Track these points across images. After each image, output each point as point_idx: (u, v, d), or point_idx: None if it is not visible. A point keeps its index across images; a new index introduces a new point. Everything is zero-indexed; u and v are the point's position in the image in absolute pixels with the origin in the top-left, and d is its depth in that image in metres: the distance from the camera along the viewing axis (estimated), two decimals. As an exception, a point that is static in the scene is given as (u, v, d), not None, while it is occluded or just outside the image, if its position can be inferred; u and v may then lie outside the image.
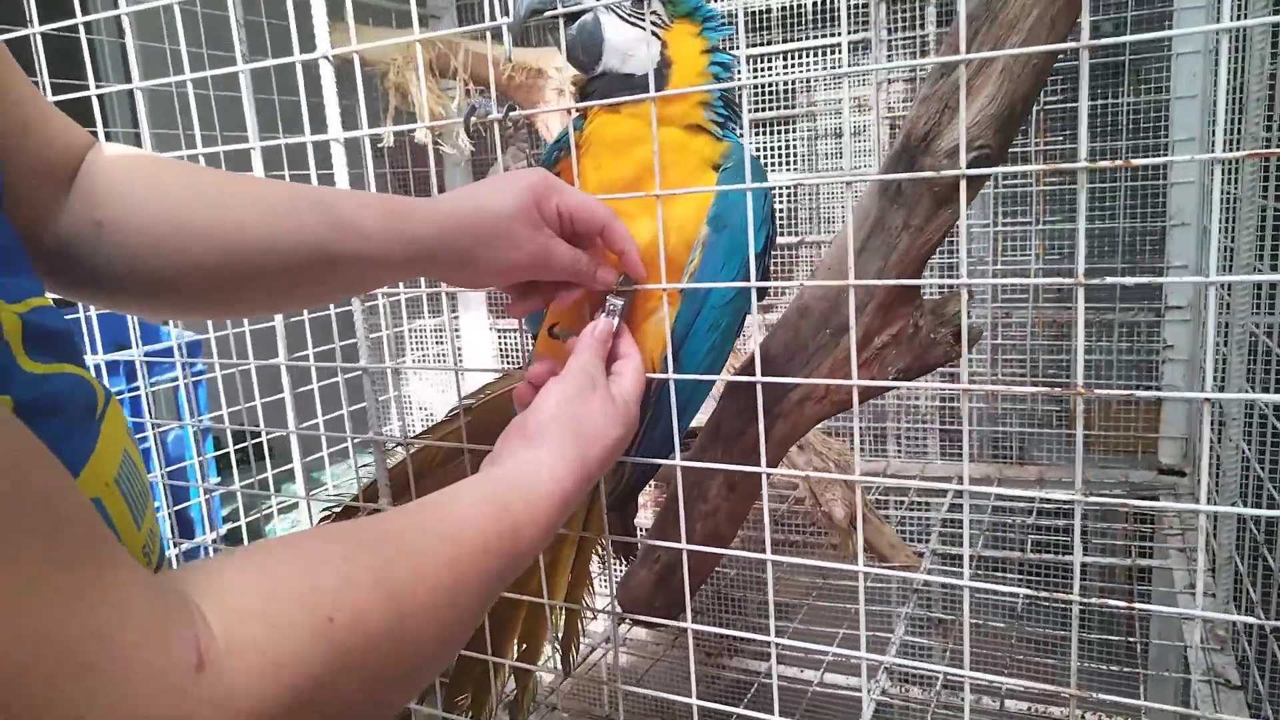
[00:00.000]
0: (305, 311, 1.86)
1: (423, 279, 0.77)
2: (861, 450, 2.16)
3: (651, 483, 2.39)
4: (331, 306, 2.01)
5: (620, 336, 0.75)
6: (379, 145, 1.98)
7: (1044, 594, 0.64)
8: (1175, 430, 1.82)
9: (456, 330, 2.61)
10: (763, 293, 0.88)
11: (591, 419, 0.65)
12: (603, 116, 0.85)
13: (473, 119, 0.81)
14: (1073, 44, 0.57)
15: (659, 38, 0.85)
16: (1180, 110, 1.70)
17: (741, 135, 0.95)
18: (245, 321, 1.54)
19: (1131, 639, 1.62)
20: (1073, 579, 0.66)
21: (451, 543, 0.50)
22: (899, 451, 2.12)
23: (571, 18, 0.81)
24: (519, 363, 2.60)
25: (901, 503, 1.88)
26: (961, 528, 2.12)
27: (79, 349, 0.51)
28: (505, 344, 2.66)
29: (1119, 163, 0.57)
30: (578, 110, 0.84)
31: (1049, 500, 1.85)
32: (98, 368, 1.36)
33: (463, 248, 0.67)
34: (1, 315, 0.44)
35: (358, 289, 0.73)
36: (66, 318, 0.48)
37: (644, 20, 0.83)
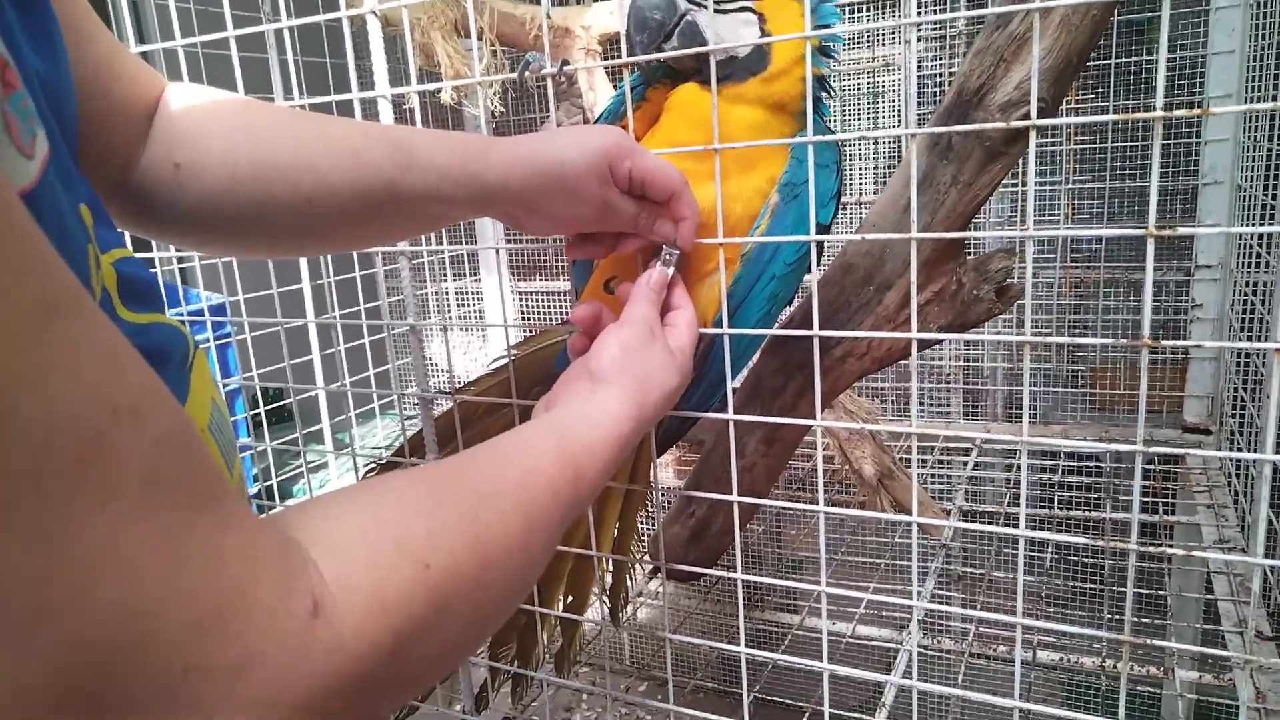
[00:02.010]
0: (330, 275, 1.88)
1: (444, 240, 0.77)
2: (886, 410, 2.17)
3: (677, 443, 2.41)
4: (356, 269, 2.02)
5: (674, 287, 0.75)
6: (403, 106, 1.97)
7: (1102, 543, 0.65)
8: (1200, 389, 1.82)
9: (479, 292, 2.62)
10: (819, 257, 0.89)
11: (650, 367, 0.66)
12: (689, 88, 0.86)
13: (527, 73, 0.81)
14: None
15: (755, 12, 0.86)
16: (1218, 66, 1.68)
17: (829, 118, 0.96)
18: (273, 283, 1.55)
19: (1156, 592, 1.64)
20: (1131, 528, 0.67)
21: (523, 488, 0.50)
22: (922, 412, 2.13)
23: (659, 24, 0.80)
24: (538, 326, 2.60)
25: (925, 461, 1.90)
26: (982, 485, 2.14)
27: (164, 299, 0.52)
28: (526, 306, 2.66)
29: (1196, 110, 0.56)
30: (635, 70, 0.84)
31: (1075, 458, 1.86)
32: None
33: (531, 196, 0.67)
34: (103, 269, 0.44)
35: (429, 225, 0.73)
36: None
37: (737, 2, 0.84)
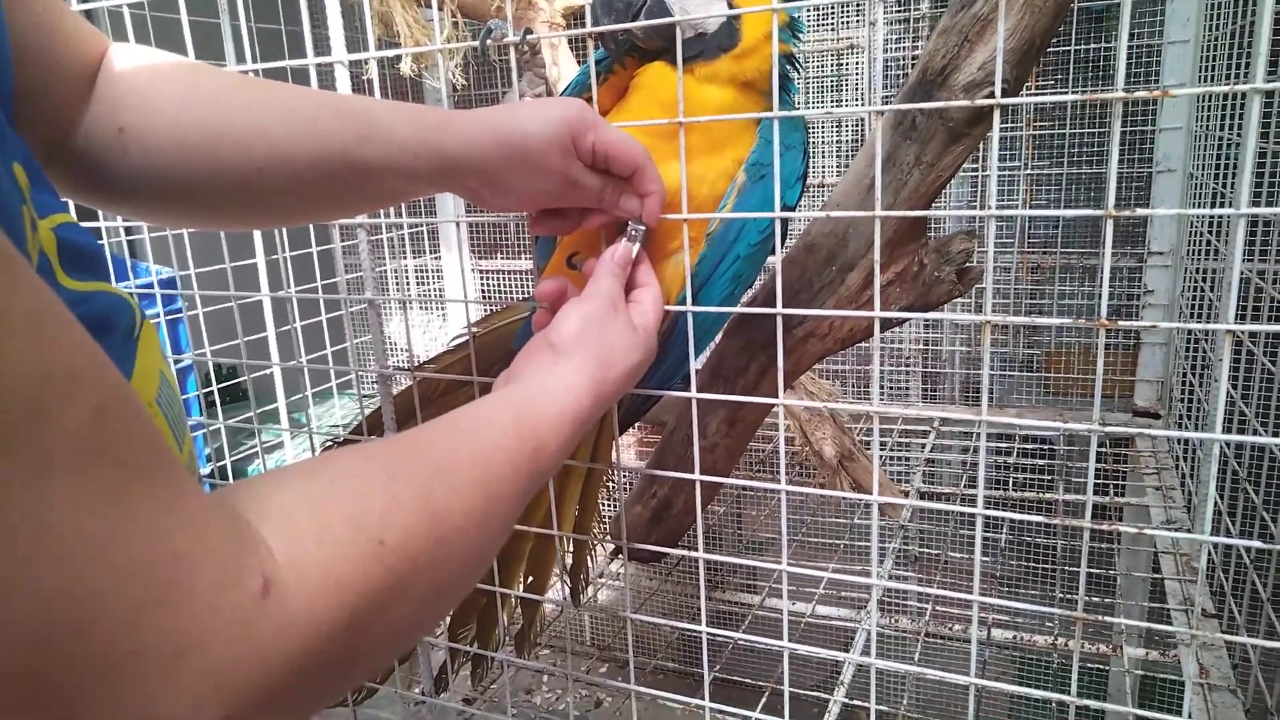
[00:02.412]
0: (286, 250, 1.83)
1: (403, 214, 0.75)
2: (846, 392, 2.19)
3: (636, 424, 2.41)
4: (313, 244, 1.98)
5: (639, 264, 0.74)
6: (362, 77, 1.92)
7: (1059, 522, 0.65)
8: (1151, 374, 1.87)
9: (439, 270, 2.58)
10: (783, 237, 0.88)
11: (613, 342, 0.65)
12: (658, 67, 0.84)
13: (489, 41, 0.79)
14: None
15: None
16: (1173, 55, 1.70)
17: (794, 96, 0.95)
18: (226, 258, 1.51)
19: (1106, 572, 1.68)
20: (1085, 508, 0.68)
21: (482, 465, 0.49)
22: (882, 394, 2.15)
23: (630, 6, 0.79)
24: (499, 305, 2.57)
25: (884, 444, 1.92)
26: (939, 467, 2.17)
27: (109, 268, 0.50)
28: (487, 284, 2.63)
29: (1156, 91, 0.57)
30: (598, 46, 0.82)
31: (1030, 441, 1.89)
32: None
33: (493, 169, 0.65)
34: (40, 234, 0.42)
35: (386, 201, 0.71)
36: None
37: None
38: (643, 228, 0.73)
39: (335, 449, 0.47)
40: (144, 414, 0.32)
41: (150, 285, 1.61)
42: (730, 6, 0.84)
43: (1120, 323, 0.64)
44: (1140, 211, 0.60)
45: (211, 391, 1.89)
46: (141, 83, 0.60)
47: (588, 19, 0.84)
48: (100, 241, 0.72)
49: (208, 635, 0.31)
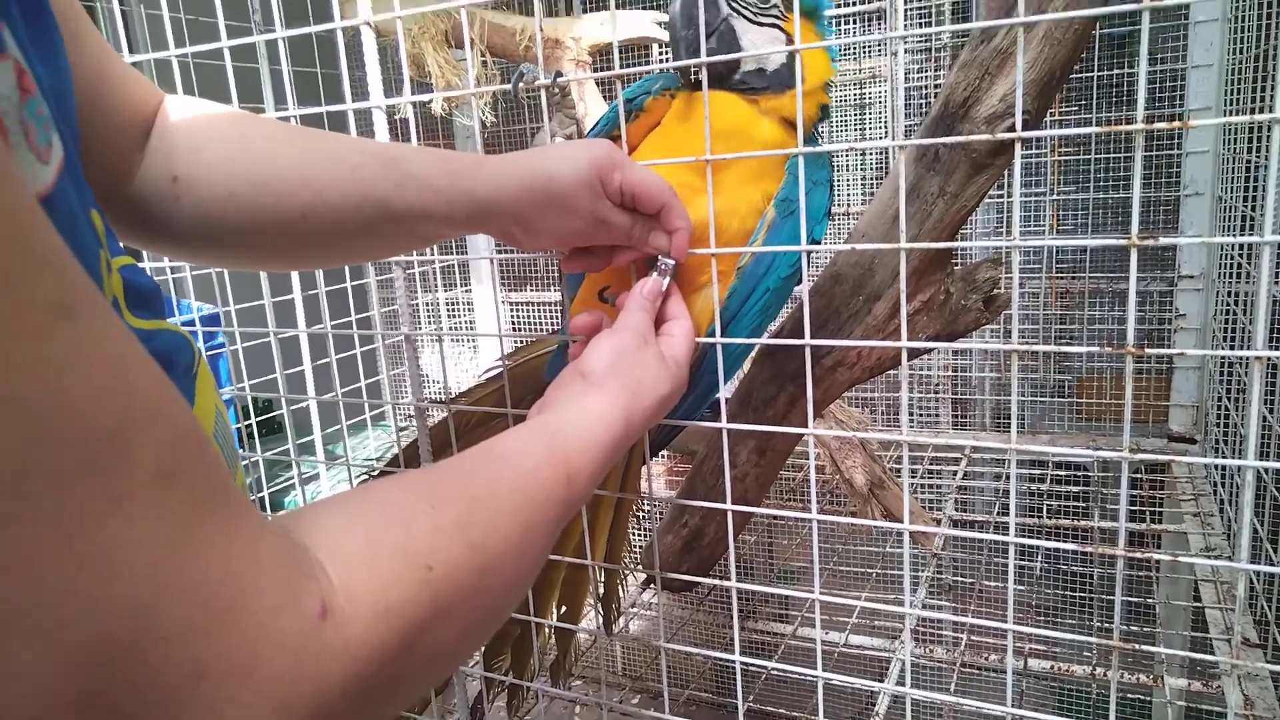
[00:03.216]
0: (322, 285, 1.87)
1: (436, 251, 0.78)
2: (876, 420, 2.18)
3: (665, 453, 2.41)
4: (348, 279, 2.02)
5: (670, 297, 0.76)
6: (394, 117, 1.97)
7: (1094, 550, 0.66)
8: (1185, 399, 1.84)
9: (469, 302, 2.62)
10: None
11: (643, 373, 0.66)
12: (722, 95, 0.87)
13: (521, 85, 0.81)
14: (1132, 5, 0.57)
15: (784, 32, 0.87)
16: (1196, 79, 1.70)
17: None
18: (265, 294, 1.55)
19: (1145, 600, 1.65)
20: (1119, 535, 0.68)
21: (519, 493, 0.50)
22: (912, 422, 2.15)
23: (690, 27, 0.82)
24: (529, 337, 2.60)
25: (915, 471, 1.91)
26: (972, 494, 2.15)
27: (164, 306, 0.52)
28: (518, 317, 2.67)
29: (1177, 124, 0.58)
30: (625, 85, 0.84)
31: (1064, 467, 1.87)
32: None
33: (524, 211, 0.67)
34: (113, 276, 0.45)
35: (421, 243, 0.74)
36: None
37: (770, 15, 0.86)
38: (672, 262, 0.75)
39: (378, 479, 0.49)
40: (210, 447, 0.34)
41: (193, 322, 1.66)
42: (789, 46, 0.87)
43: (1149, 349, 0.64)
44: (1164, 240, 0.61)
45: (250, 425, 1.93)
46: (194, 133, 0.63)
47: (669, 34, 0.87)
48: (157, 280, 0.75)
49: (269, 657, 0.33)
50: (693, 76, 0.89)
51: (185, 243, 0.65)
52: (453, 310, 2.68)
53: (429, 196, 0.65)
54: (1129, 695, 1.87)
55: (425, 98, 0.81)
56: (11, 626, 0.26)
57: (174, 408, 0.32)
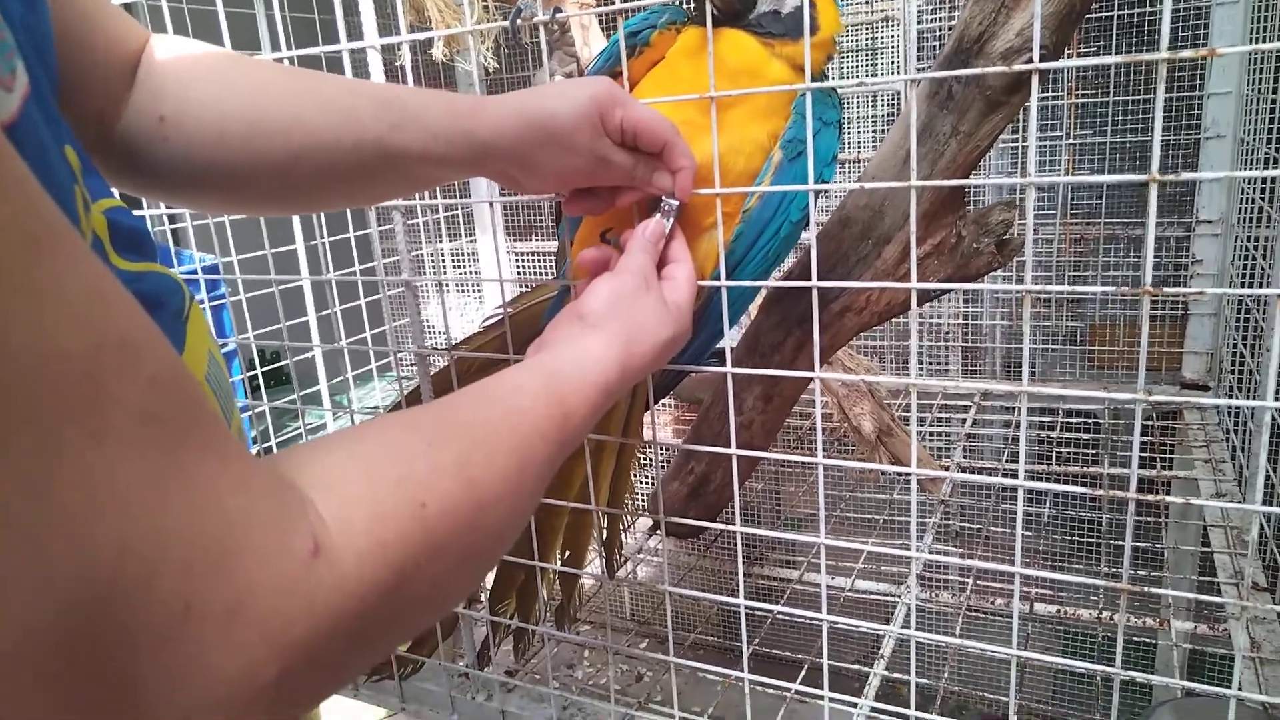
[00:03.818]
0: (324, 235, 1.86)
1: (439, 197, 0.76)
2: (885, 368, 2.17)
3: (671, 402, 2.41)
4: (350, 229, 2.00)
5: (673, 240, 0.74)
6: (395, 64, 1.93)
7: (1104, 494, 0.65)
8: (1199, 346, 1.82)
9: (474, 253, 2.60)
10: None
11: (643, 317, 0.65)
12: (733, 33, 0.85)
13: (519, 20, 0.79)
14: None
15: None
16: (1221, 16, 1.65)
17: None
18: (266, 244, 1.53)
19: (1153, 546, 1.66)
20: (1130, 479, 0.67)
21: (514, 431, 0.50)
22: (921, 370, 2.13)
23: None
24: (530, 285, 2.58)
25: (923, 419, 1.90)
26: (980, 442, 2.14)
27: (157, 250, 0.51)
28: (523, 266, 2.65)
29: (1204, 51, 0.55)
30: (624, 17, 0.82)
31: (1074, 415, 1.86)
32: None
33: (524, 151, 0.66)
34: (93, 216, 0.44)
35: (421, 185, 0.72)
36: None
37: None
38: (676, 203, 0.73)
39: (374, 418, 0.48)
40: (195, 384, 0.33)
41: (194, 272, 1.65)
42: None
43: (1166, 290, 0.63)
44: (1186, 175, 0.59)
45: (256, 375, 1.94)
46: (181, 72, 0.61)
47: None
48: (156, 230, 0.74)
49: (259, 595, 0.32)
50: (707, 7, 0.87)
51: (175, 184, 0.64)
52: (458, 260, 2.66)
53: (426, 137, 0.64)
54: (1134, 639, 1.88)
55: (421, 36, 0.79)
56: None
57: (156, 344, 0.31)
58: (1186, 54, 0.56)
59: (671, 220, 0.74)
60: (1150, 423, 1.71)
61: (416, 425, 0.46)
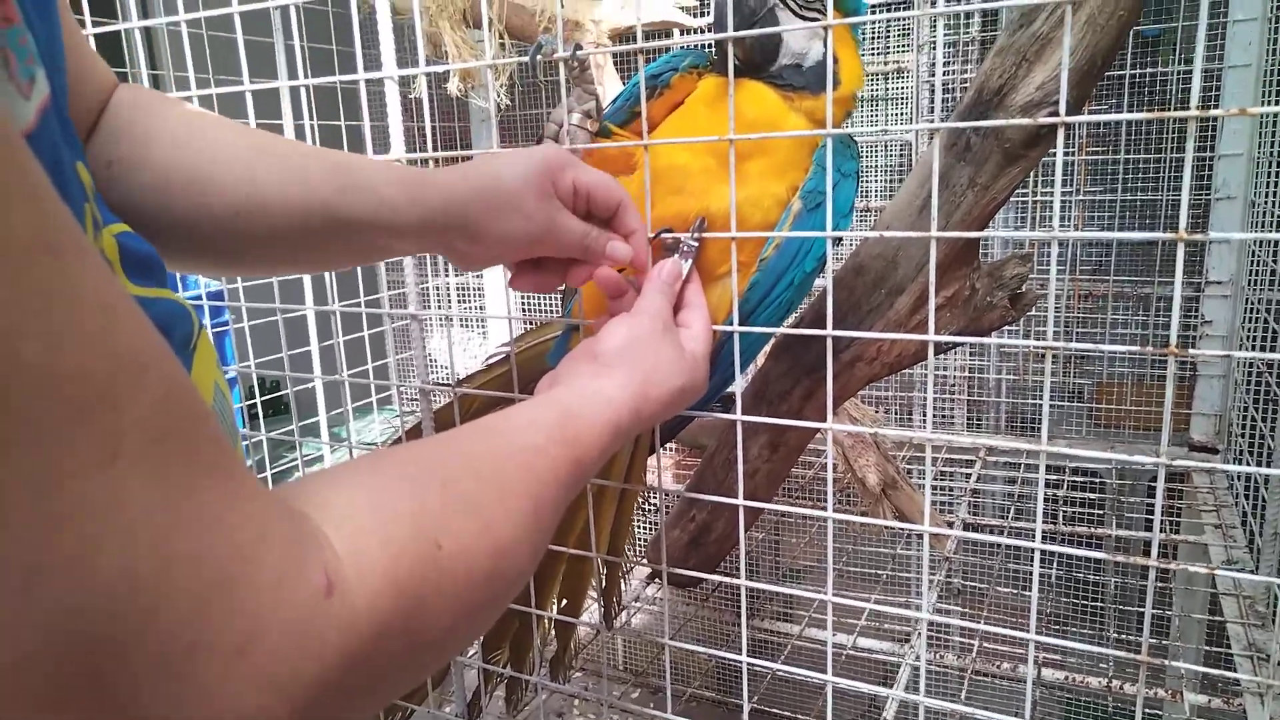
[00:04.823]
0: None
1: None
2: (889, 420, 2.15)
3: (673, 447, 2.38)
4: (357, 260, 1.99)
5: (689, 283, 0.73)
6: (410, 96, 1.94)
7: (1123, 560, 0.62)
8: (1208, 408, 1.80)
9: (480, 288, 2.59)
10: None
11: (658, 362, 0.64)
12: (755, 85, 0.85)
13: (539, 56, 0.78)
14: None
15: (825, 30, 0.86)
16: (1233, 80, 1.66)
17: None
18: (272, 272, 1.52)
19: (1161, 613, 1.62)
20: (1151, 545, 0.64)
21: (528, 470, 0.49)
22: (924, 422, 2.11)
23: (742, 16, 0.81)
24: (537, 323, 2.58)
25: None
26: (984, 498, 2.11)
27: (166, 275, 0.50)
28: (528, 303, 2.64)
29: (1234, 110, 0.54)
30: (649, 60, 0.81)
31: (1080, 474, 1.84)
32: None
33: (473, 216, 0.65)
34: (103, 238, 0.42)
35: (371, 256, 0.70)
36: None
37: (814, 9, 0.85)
38: (695, 244, 0.72)
39: (387, 448, 0.46)
40: (207, 408, 0.32)
41: (199, 298, 1.63)
42: (825, 49, 0.85)
43: (1192, 351, 0.61)
44: (1215, 236, 0.58)
45: (255, 404, 1.92)
46: (138, 120, 0.60)
47: (713, 18, 0.85)
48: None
49: (269, 633, 0.30)
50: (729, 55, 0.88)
51: None
52: (463, 295, 2.65)
53: (374, 202, 0.63)
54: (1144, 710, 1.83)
55: (440, 68, 0.79)
56: None
57: (167, 363, 0.30)
58: (1218, 111, 0.55)
59: (689, 262, 0.73)
60: (1155, 485, 1.68)
61: (428, 461, 0.44)
